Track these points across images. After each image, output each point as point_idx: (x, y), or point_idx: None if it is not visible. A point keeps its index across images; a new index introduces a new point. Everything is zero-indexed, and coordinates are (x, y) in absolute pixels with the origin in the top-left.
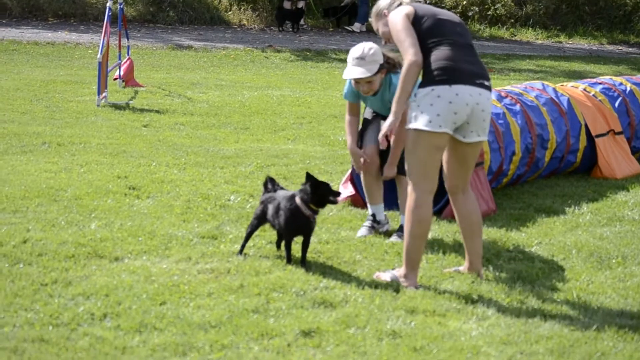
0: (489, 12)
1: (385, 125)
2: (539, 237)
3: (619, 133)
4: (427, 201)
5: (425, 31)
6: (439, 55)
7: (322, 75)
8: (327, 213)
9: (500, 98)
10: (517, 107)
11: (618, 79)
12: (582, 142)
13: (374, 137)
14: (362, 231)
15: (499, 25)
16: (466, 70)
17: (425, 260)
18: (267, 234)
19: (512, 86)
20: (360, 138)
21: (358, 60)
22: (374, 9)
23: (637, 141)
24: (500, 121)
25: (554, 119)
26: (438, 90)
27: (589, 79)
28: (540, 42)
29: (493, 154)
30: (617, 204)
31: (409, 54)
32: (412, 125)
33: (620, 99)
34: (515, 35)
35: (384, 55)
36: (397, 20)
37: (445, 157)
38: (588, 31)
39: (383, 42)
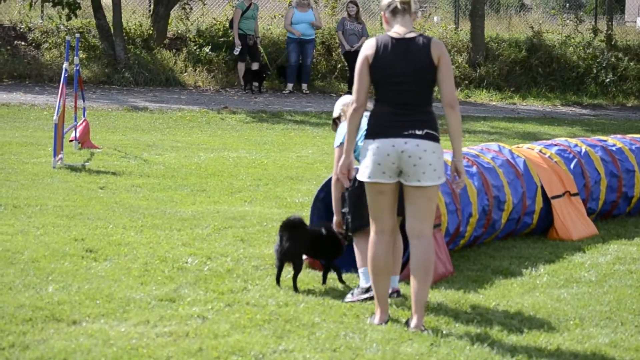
0: None
1: (338, 165)
2: (496, 298)
3: (575, 194)
4: (378, 240)
5: (374, 81)
6: (374, 108)
7: (278, 137)
8: (285, 275)
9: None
10: (474, 169)
11: (573, 141)
12: (539, 204)
13: None
14: None
15: None
16: (390, 123)
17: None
18: (226, 297)
19: (469, 148)
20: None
21: None
22: None
23: (592, 202)
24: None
25: (511, 180)
26: (365, 144)
27: (544, 141)
28: (494, 103)
29: (450, 215)
30: (573, 266)
31: (353, 99)
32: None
33: (575, 160)
34: (469, 97)
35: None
36: (358, 60)
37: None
38: (542, 93)
39: None
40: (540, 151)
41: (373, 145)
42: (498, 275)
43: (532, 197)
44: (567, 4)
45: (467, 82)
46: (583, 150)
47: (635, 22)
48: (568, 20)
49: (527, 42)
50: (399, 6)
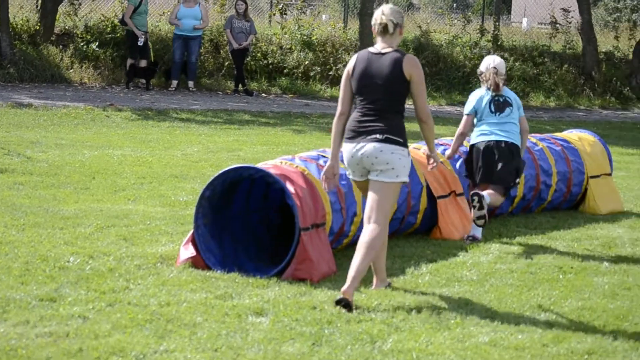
0: (331, 73)
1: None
2: (378, 297)
3: (460, 194)
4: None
5: (353, 91)
6: (352, 115)
7: (164, 135)
8: (168, 275)
9: (342, 160)
10: None
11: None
12: (423, 204)
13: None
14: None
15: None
16: (358, 129)
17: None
18: (107, 297)
19: None
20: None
21: None
22: None
23: None
24: (343, 182)
25: None
26: (342, 147)
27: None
28: None
29: (335, 214)
30: (456, 265)
31: (338, 107)
32: None
33: (461, 160)
34: None
35: None
36: (344, 72)
37: None
38: (428, 92)
39: None
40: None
41: (344, 148)
42: None
43: (416, 197)
44: (455, 4)
45: None
46: (468, 150)
47: (521, 22)
48: (456, 20)
49: (415, 41)
50: (377, 27)
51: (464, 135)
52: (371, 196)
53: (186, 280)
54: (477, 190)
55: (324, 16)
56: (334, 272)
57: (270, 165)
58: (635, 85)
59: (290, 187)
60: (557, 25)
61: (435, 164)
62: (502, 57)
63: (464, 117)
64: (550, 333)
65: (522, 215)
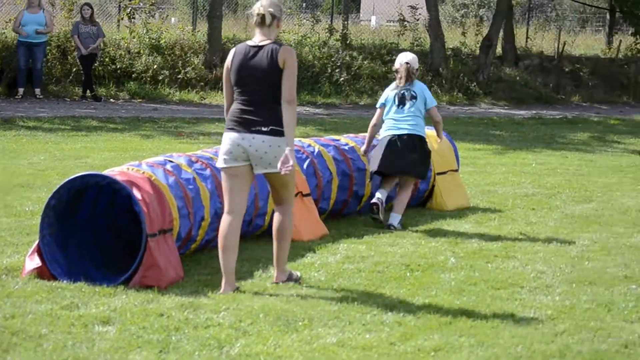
0: (179, 76)
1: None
2: (227, 302)
3: (307, 195)
4: (228, 219)
5: (232, 83)
6: (232, 106)
7: (9, 144)
8: (13, 287)
9: (190, 163)
10: (208, 172)
11: (306, 141)
12: (271, 206)
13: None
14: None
15: (189, 88)
16: (241, 120)
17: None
18: None
19: (203, 151)
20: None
21: None
22: None
23: (324, 202)
24: (190, 186)
25: None
26: (223, 135)
27: None
28: None
29: (182, 220)
30: (303, 266)
31: (224, 102)
32: None
33: (308, 160)
34: (204, 99)
35: None
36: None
37: None
38: None
39: None
40: None
41: (226, 138)
42: None
43: (264, 199)
44: (305, 4)
45: (202, 83)
46: (316, 150)
47: (370, 20)
48: (305, 20)
49: None
50: (255, 18)
51: (376, 126)
52: (272, 183)
53: (32, 291)
54: (376, 201)
55: (173, 19)
56: (181, 278)
57: (117, 172)
58: (483, 80)
59: (137, 194)
60: (405, 23)
61: (290, 166)
62: (350, 55)
63: (377, 110)
64: (398, 331)
65: (369, 214)
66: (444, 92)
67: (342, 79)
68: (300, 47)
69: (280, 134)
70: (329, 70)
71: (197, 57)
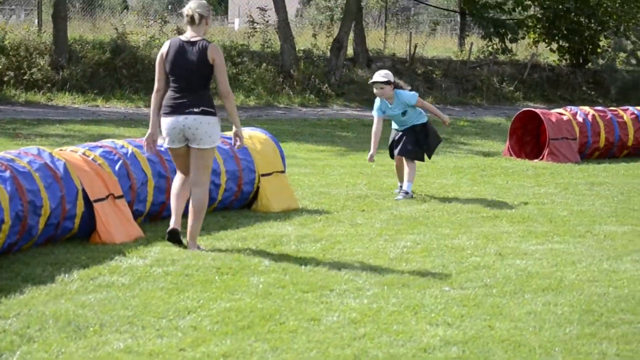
0: (25, 77)
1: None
2: (19, 308)
3: (120, 197)
4: (179, 177)
5: (167, 72)
6: (167, 93)
7: None
8: None
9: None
10: (7, 174)
11: (119, 142)
12: (80, 207)
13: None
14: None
15: (36, 90)
16: (175, 105)
17: None
18: None
19: (6, 152)
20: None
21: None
22: None
23: (140, 204)
24: None
25: (48, 184)
26: (162, 120)
27: (90, 143)
28: (76, 106)
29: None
30: (109, 270)
31: (155, 84)
32: None
33: (120, 161)
34: (52, 100)
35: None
36: (157, 56)
37: None
38: (126, 94)
39: None
40: (84, 153)
41: (164, 122)
42: (27, 283)
43: (72, 201)
44: (170, 6)
45: (49, 85)
46: (129, 152)
47: (234, 23)
48: (152, 22)
49: (112, 43)
50: (186, 19)
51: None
52: (194, 162)
53: None
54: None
55: (13, 16)
56: None
57: None
58: (334, 82)
59: None
60: (255, 25)
61: (240, 143)
62: None
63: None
64: (191, 337)
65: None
66: (295, 93)
67: None
68: (149, 49)
69: (210, 113)
70: None
71: (44, 58)
